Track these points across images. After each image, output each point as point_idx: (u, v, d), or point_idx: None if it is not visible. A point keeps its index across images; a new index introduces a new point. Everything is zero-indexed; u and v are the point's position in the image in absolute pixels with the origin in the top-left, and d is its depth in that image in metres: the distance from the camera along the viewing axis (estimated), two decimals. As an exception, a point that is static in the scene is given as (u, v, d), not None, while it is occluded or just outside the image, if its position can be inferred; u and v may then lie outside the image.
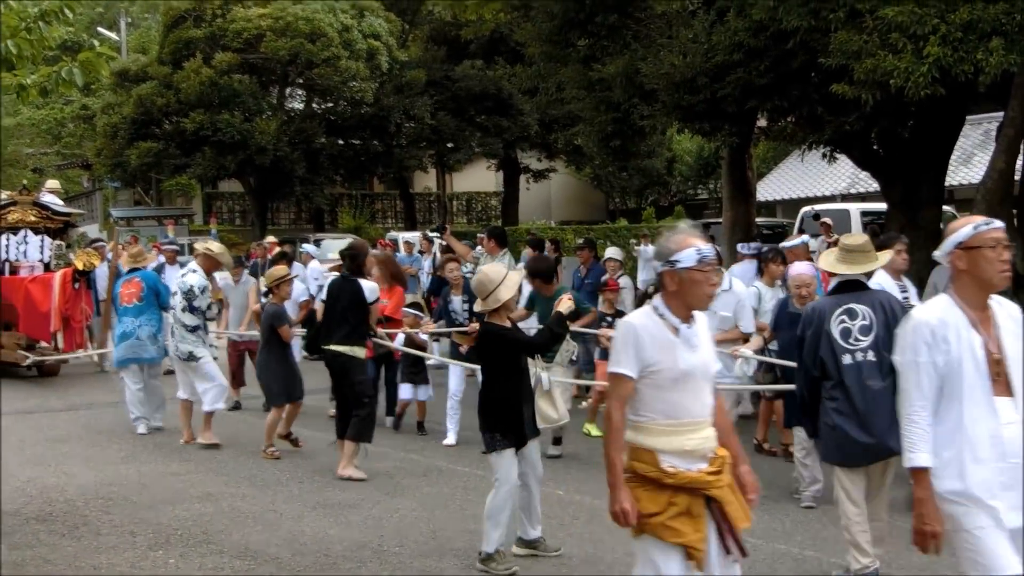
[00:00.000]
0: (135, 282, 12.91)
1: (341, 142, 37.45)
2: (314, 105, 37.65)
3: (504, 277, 7.46)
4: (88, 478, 10.46)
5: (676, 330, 4.83)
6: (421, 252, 21.38)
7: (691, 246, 4.77)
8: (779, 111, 14.50)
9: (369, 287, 10.48)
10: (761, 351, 10.20)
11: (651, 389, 4.82)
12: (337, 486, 9.99)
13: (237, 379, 14.52)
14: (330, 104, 37.36)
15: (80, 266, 17.01)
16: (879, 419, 6.66)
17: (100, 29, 49.47)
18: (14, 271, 17.67)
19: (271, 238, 22.13)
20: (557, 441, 11.21)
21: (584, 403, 13.19)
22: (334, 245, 26.63)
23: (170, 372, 13.41)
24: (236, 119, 33.22)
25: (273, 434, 11.37)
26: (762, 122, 17.37)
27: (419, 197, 47.44)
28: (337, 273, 11.24)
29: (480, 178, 47.26)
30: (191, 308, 11.90)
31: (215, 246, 12.53)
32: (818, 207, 25.99)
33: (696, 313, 4.92)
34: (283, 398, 11.40)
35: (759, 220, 23.59)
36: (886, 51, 11.40)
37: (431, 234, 20.75)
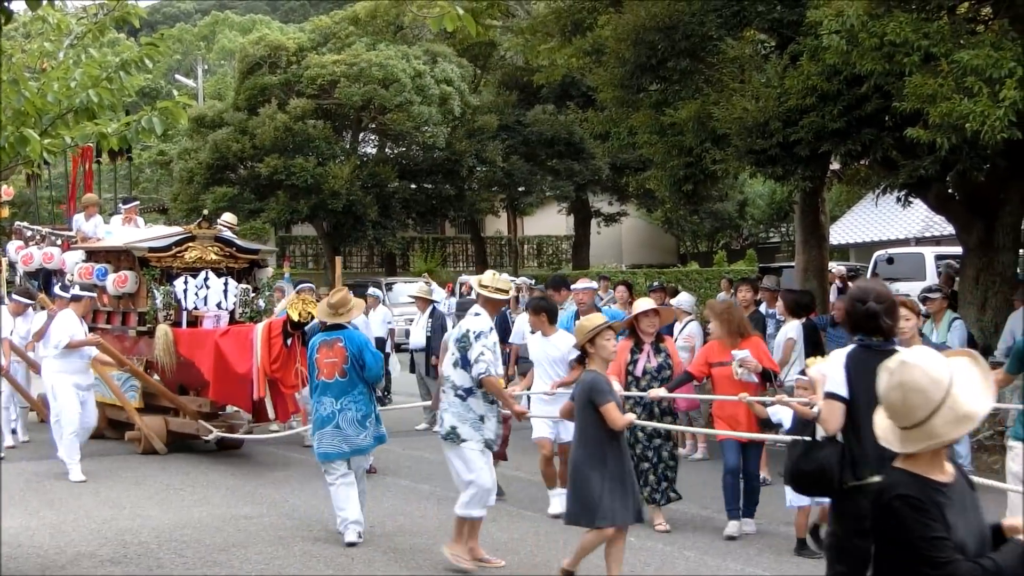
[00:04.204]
0: (338, 347, 9.70)
1: (413, 186, 37.68)
2: (387, 150, 38.05)
3: (949, 383, 3.62)
4: (162, 520, 10.56)
5: None
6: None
7: None
8: (853, 155, 14.36)
9: None
10: None
11: None
12: (409, 532, 9.99)
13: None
14: (403, 148, 37.71)
15: (295, 317, 12.89)
16: None
17: (177, 76, 50.45)
18: (193, 322, 14.60)
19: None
20: None
21: None
22: (405, 289, 26.69)
23: None
24: (310, 164, 33.55)
25: (580, 559, 7.87)
26: (835, 166, 17.24)
27: (490, 241, 47.57)
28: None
29: (551, 222, 47.27)
30: (463, 362, 8.76)
31: (497, 282, 9.18)
32: (892, 251, 25.73)
33: None
34: (585, 516, 7.65)
35: (832, 264, 23.35)
36: (961, 95, 11.28)
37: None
